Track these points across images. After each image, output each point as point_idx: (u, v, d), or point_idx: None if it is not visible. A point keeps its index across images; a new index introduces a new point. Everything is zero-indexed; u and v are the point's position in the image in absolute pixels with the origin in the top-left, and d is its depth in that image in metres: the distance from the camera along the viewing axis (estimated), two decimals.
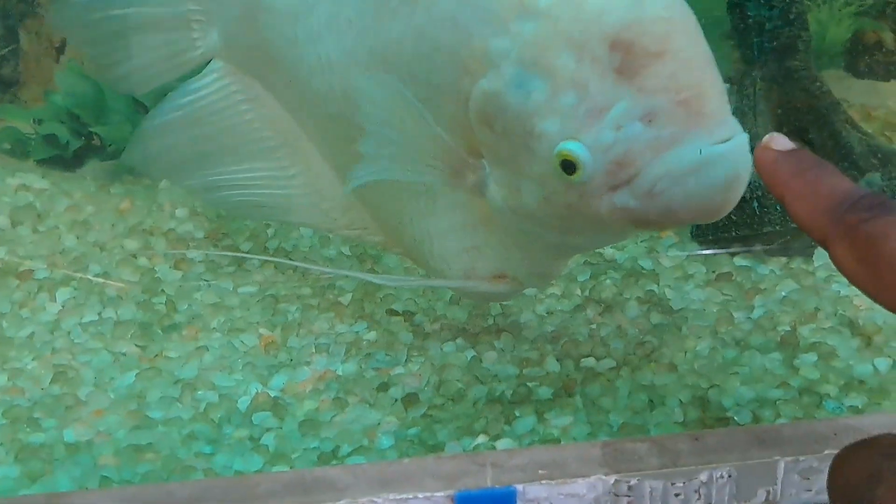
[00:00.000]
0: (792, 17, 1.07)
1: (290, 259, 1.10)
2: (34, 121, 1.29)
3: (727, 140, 0.52)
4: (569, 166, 0.55)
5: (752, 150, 0.54)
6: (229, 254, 1.07)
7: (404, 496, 0.57)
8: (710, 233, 1.03)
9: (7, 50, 1.30)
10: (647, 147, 0.53)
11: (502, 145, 0.60)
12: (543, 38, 0.56)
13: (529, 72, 0.56)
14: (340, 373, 0.83)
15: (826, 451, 0.60)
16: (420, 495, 0.57)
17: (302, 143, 0.88)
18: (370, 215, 0.85)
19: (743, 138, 0.53)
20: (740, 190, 0.53)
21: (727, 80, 1.38)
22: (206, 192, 0.92)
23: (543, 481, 0.58)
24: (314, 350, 0.87)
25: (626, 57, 0.53)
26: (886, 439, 0.41)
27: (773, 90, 1.07)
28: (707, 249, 1.02)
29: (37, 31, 1.31)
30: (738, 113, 1.08)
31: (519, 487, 0.57)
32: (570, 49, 0.55)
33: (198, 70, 0.89)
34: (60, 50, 1.32)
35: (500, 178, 0.62)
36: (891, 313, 0.43)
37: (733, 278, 0.96)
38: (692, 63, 0.52)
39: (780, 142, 0.50)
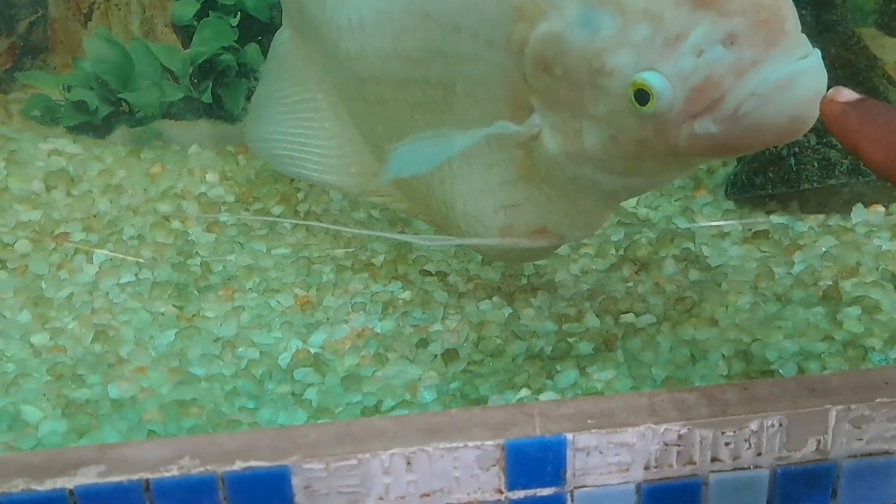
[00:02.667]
0: None
1: (321, 222, 1.10)
2: (63, 87, 1.29)
3: (805, 57, 0.52)
4: (644, 98, 0.55)
5: None
6: (262, 218, 1.07)
7: (454, 444, 0.57)
8: (747, 190, 1.02)
9: (35, 17, 1.30)
10: (729, 69, 0.52)
11: (563, 89, 0.59)
12: None
13: (596, 9, 0.56)
14: (378, 330, 0.83)
15: (878, 400, 0.59)
16: (470, 444, 0.57)
17: (340, 105, 0.88)
18: (396, 182, 0.85)
19: (817, 55, 0.53)
20: (818, 106, 0.53)
21: None
22: (257, 142, 0.94)
23: (593, 430, 0.58)
24: (350, 309, 0.88)
25: None
26: None
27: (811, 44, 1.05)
28: (741, 216, 1.01)
29: None
30: None
31: (569, 436, 0.57)
32: None
33: None
34: (88, 16, 1.31)
35: (558, 125, 0.61)
36: None
37: (771, 235, 0.95)
38: None
39: (845, 94, 0.51)
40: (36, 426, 0.70)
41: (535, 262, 0.93)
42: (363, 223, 1.11)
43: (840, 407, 0.59)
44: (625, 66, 0.55)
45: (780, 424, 0.59)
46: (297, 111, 0.93)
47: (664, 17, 0.54)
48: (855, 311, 0.80)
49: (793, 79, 0.52)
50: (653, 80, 0.54)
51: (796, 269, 0.87)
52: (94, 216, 1.04)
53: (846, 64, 1.06)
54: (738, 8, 0.52)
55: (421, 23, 0.67)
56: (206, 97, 1.32)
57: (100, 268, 0.95)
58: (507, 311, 0.84)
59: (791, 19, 0.53)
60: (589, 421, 0.59)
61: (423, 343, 0.80)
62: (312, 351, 0.80)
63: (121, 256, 0.97)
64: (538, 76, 0.60)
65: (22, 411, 0.71)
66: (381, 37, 0.72)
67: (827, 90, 0.54)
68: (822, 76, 0.53)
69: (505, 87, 0.63)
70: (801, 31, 0.54)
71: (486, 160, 0.70)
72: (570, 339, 0.79)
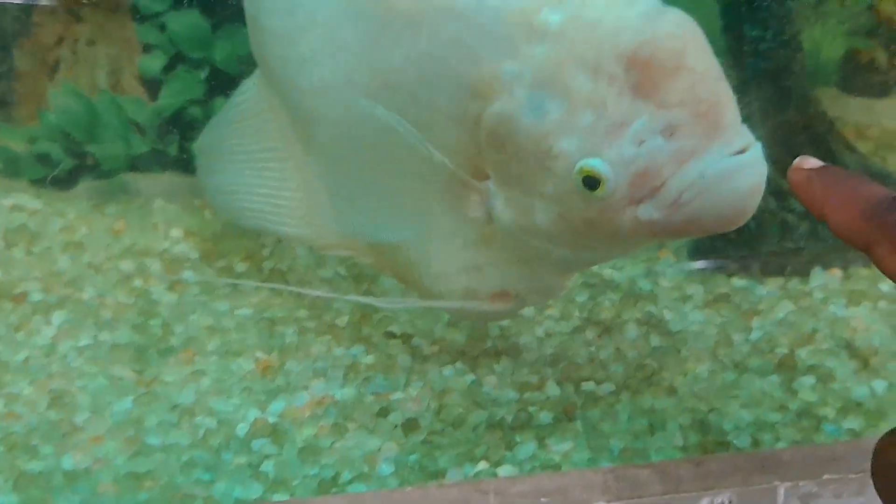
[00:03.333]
0: (786, 38, 1.08)
1: (287, 280, 1.10)
2: (28, 140, 1.28)
3: (745, 149, 0.54)
4: (591, 182, 0.56)
5: None
6: (228, 281, 1.06)
7: None
8: (708, 253, 1.04)
9: (1, 70, 1.29)
10: (669, 159, 0.54)
11: (514, 166, 0.61)
12: (557, 59, 0.57)
13: (544, 93, 0.57)
14: (339, 398, 0.83)
15: (825, 476, 0.60)
16: None
17: (303, 158, 0.88)
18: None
19: (758, 147, 0.55)
20: (759, 198, 0.54)
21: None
22: (217, 195, 0.93)
23: None
24: (312, 374, 0.87)
25: (643, 74, 0.54)
26: None
27: (769, 111, 1.08)
28: (704, 265, 1.03)
29: (31, 51, 1.30)
30: None
31: None
32: (585, 69, 0.56)
33: None
34: (55, 69, 1.31)
35: (510, 198, 0.63)
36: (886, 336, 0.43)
37: (731, 299, 0.96)
38: (706, 76, 0.54)
39: (810, 161, 0.52)
40: None
41: (500, 323, 0.94)
42: (329, 281, 1.11)
43: (788, 483, 0.60)
44: (570, 151, 0.56)
45: (731, 501, 0.59)
46: (260, 162, 0.93)
47: (607, 106, 0.55)
48: (809, 379, 0.81)
49: (730, 172, 0.53)
50: (596, 165, 0.55)
51: (754, 335, 0.88)
52: (54, 275, 1.03)
53: (804, 129, 1.08)
54: (677, 100, 0.53)
55: (382, 90, 0.68)
56: (173, 149, 1.32)
57: (58, 329, 0.94)
58: (470, 377, 0.84)
59: (730, 112, 0.54)
60: (543, 499, 0.59)
61: (384, 412, 0.79)
62: (271, 420, 0.79)
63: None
64: (491, 152, 0.62)
65: None
66: (342, 102, 0.73)
67: (792, 155, 0.55)
68: (759, 170, 0.54)
69: (463, 156, 0.64)
70: (741, 123, 0.55)
71: (448, 223, 0.71)
72: (530, 409, 0.79)
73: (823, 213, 0.49)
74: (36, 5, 1.30)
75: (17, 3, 1.30)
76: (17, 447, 0.75)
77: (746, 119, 1.08)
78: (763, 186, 0.54)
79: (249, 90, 0.94)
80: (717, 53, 1.36)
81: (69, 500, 0.68)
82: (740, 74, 1.10)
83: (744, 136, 0.54)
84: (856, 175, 0.50)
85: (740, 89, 1.09)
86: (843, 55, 1.46)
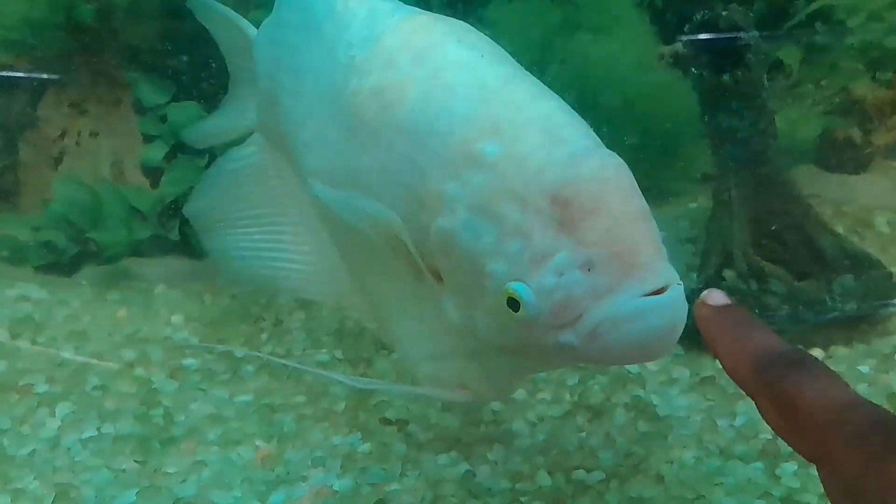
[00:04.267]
0: (762, 126, 1.13)
1: (285, 365, 1.12)
2: (32, 228, 1.32)
3: (662, 288, 0.56)
4: (514, 304, 0.60)
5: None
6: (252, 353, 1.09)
7: None
8: (693, 335, 1.07)
9: (6, 162, 1.34)
10: (587, 293, 0.57)
11: (458, 277, 0.65)
12: (491, 188, 0.61)
13: (479, 217, 0.62)
14: (337, 488, 0.85)
15: None
16: None
17: (315, 223, 0.92)
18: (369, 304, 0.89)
19: (677, 288, 0.56)
20: (676, 335, 0.57)
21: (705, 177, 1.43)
22: (229, 260, 0.97)
23: None
24: (310, 463, 0.89)
25: (565, 211, 0.58)
26: None
27: (747, 197, 1.12)
28: (689, 360, 1.05)
29: (35, 143, 1.35)
30: (716, 219, 1.14)
31: None
32: (514, 201, 0.60)
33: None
34: (59, 160, 1.36)
35: (458, 304, 0.66)
36: None
37: (716, 382, 0.99)
38: (625, 218, 0.57)
39: (714, 297, 0.55)
40: None
41: (493, 407, 0.97)
42: (325, 364, 1.14)
43: None
44: (498, 273, 0.60)
45: None
46: (269, 225, 0.96)
47: (533, 236, 0.59)
48: (791, 466, 0.83)
49: (641, 312, 0.55)
50: (520, 290, 0.59)
51: (738, 420, 0.91)
52: (59, 366, 1.06)
53: (782, 214, 1.13)
54: (594, 240, 0.57)
55: (354, 187, 0.73)
56: (174, 235, 1.36)
57: (62, 421, 0.96)
58: (464, 467, 0.87)
59: (648, 252, 0.57)
60: None
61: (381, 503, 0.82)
62: None
63: None
64: (440, 258, 0.66)
65: None
66: (329, 186, 0.77)
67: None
68: (676, 309, 0.56)
69: (421, 257, 0.68)
70: (664, 261, 0.57)
71: (417, 309, 0.75)
72: (522, 499, 0.81)
73: (716, 354, 0.52)
74: (41, 99, 1.36)
75: (24, 96, 1.35)
76: None
77: (725, 204, 1.12)
78: (679, 325, 0.56)
79: (248, 157, 0.98)
80: (697, 139, 1.41)
81: None
82: (719, 162, 1.15)
83: (663, 276, 0.56)
84: (752, 321, 0.51)
85: (719, 176, 1.14)
86: (819, 134, 1.52)
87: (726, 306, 0.54)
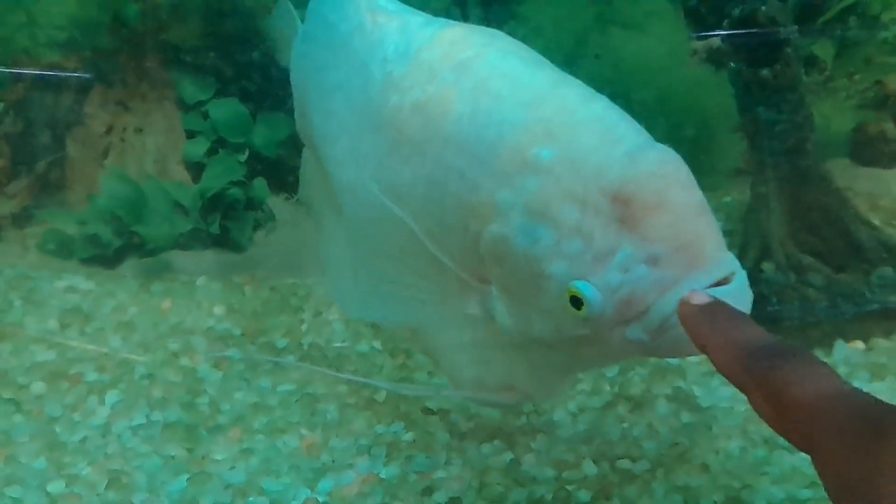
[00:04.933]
0: (800, 119, 1.13)
1: (325, 354, 1.14)
2: (79, 222, 1.35)
3: (727, 278, 0.57)
4: (578, 303, 0.60)
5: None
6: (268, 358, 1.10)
7: None
8: None
9: (55, 157, 1.37)
10: (653, 287, 0.58)
11: (512, 281, 0.65)
12: (547, 192, 0.62)
13: (536, 222, 0.62)
14: (384, 476, 0.86)
15: None
16: None
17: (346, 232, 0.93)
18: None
19: (741, 275, 0.58)
20: None
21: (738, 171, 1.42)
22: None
23: None
24: (356, 452, 0.90)
25: (627, 209, 0.58)
26: None
27: (785, 189, 1.12)
28: None
29: (82, 139, 1.38)
30: (753, 212, 1.14)
31: None
32: (573, 202, 0.61)
33: None
34: (104, 156, 1.38)
35: (511, 307, 0.67)
36: None
37: None
38: (687, 212, 0.58)
39: (697, 297, 0.55)
40: None
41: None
42: (365, 355, 1.15)
43: None
44: (560, 274, 0.61)
45: None
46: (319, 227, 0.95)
47: (594, 236, 0.59)
48: None
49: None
50: (584, 289, 0.60)
51: None
52: (107, 355, 1.08)
53: (820, 207, 1.13)
54: (659, 235, 0.57)
55: (395, 200, 0.73)
56: (215, 228, 1.39)
57: (112, 409, 0.99)
58: (509, 455, 0.88)
59: (711, 243, 0.58)
60: None
61: (428, 491, 0.83)
62: (321, 500, 0.82)
63: None
64: (492, 265, 0.66)
65: None
66: (366, 204, 0.77)
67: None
68: (741, 298, 0.56)
69: (468, 264, 0.69)
70: (726, 252, 0.58)
71: (459, 317, 0.76)
72: (568, 487, 0.82)
73: (704, 350, 0.52)
74: (88, 96, 1.39)
75: (71, 94, 1.38)
76: None
77: (763, 197, 1.12)
78: (746, 311, 0.56)
79: (305, 161, 0.98)
80: (730, 134, 1.41)
81: None
82: (756, 156, 1.15)
83: (726, 266, 0.57)
84: (737, 316, 0.52)
85: (756, 169, 1.15)
86: (853, 128, 1.52)
87: (711, 303, 0.54)
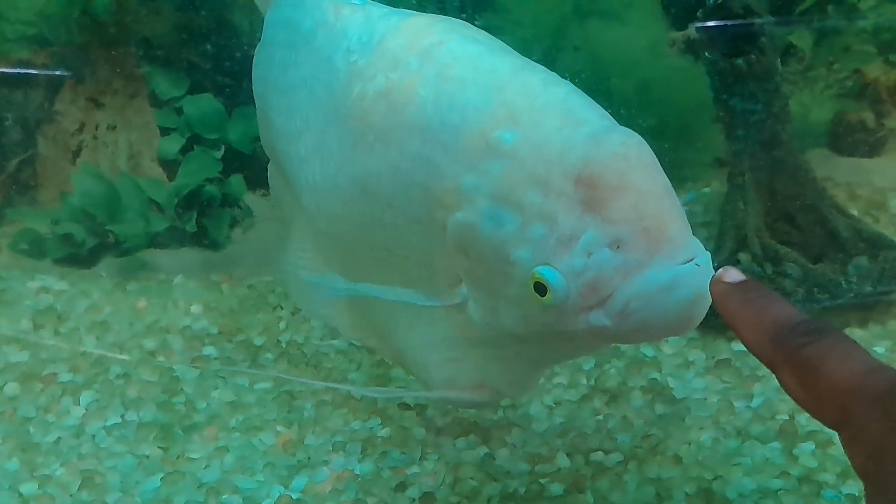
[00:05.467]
0: (775, 109, 1.13)
1: (303, 352, 1.13)
2: (51, 221, 1.34)
3: (689, 261, 0.56)
4: (542, 289, 0.60)
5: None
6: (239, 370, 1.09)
7: None
8: (708, 317, 1.07)
9: (25, 155, 1.36)
10: (616, 271, 0.57)
11: (479, 270, 0.65)
12: (511, 176, 0.61)
13: (501, 206, 0.61)
14: (358, 472, 0.86)
15: None
16: None
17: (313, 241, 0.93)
18: (368, 326, 0.90)
19: (705, 257, 0.57)
20: (706, 305, 0.57)
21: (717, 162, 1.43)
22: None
23: None
24: (331, 448, 0.90)
25: (590, 191, 0.58)
26: None
27: (761, 179, 1.13)
28: (704, 344, 1.06)
29: (53, 137, 1.37)
30: (730, 202, 1.14)
31: None
32: (536, 186, 0.60)
33: None
34: (77, 154, 1.37)
35: (478, 299, 0.66)
36: None
37: (732, 364, 1.00)
38: (650, 194, 0.57)
39: (731, 275, 0.55)
40: None
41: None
42: (343, 352, 1.15)
43: None
44: (524, 260, 0.60)
45: None
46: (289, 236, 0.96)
47: (558, 220, 0.59)
48: (809, 445, 0.84)
49: (673, 283, 0.55)
50: (548, 275, 0.59)
51: (755, 402, 0.92)
52: (81, 355, 1.08)
53: (797, 197, 1.13)
54: (622, 217, 0.57)
55: (362, 194, 0.73)
56: (191, 226, 1.38)
57: (86, 409, 0.98)
58: (483, 450, 0.88)
59: (675, 225, 0.57)
60: None
61: (402, 487, 0.83)
62: (294, 497, 0.82)
63: None
64: (458, 256, 0.66)
65: None
66: (331, 200, 0.77)
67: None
68: (705, 278, 0.56)
69: (437, 258, 0.69)
70: (690, 235, 0.58)
71: (430, 314, 0.75)
72: (541, 481, 0.82)
73: (735, 328, 0.52)
74: (59, 93, 1.37)
75: (41, 91, 1.36)
76: None
77: (739, 187, 1.12)
78: (708, 294, 0.56)
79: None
80: (709, 124, 1.41)
81: None
82: (733, 146, 1.15)
83: (689, 249, 0.57)
84: (769, 294, 0.52)
85: (733, 159, 1.15)
86: (832, 118, 1.52)
87: (743, 282, 0.54)
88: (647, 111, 1.42)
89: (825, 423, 0.45)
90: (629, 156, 0.58)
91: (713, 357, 1.02)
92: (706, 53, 1.13)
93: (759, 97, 1.12)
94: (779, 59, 1.14)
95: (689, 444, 0.86)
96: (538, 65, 0.68)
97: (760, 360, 0.50)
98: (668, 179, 0.60)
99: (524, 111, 0.62)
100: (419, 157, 0.67)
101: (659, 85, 1.43)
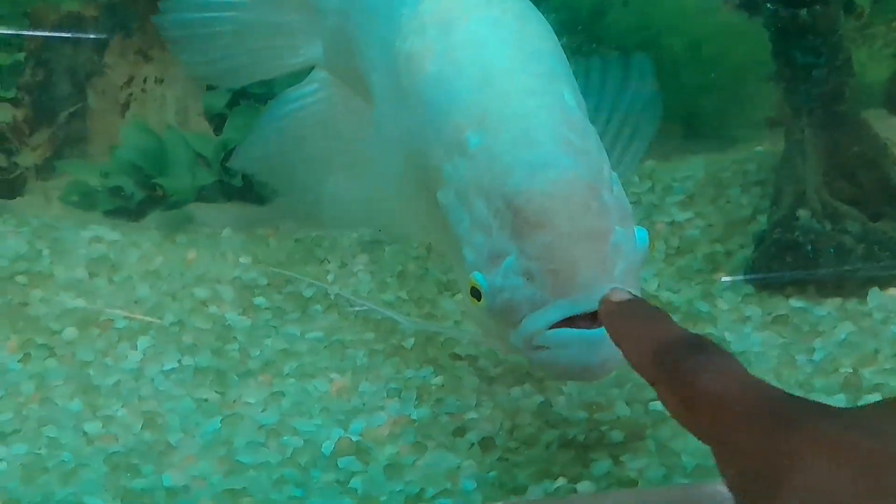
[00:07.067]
0: (838, 63, 1.10)
1: (350, 303, 1.13)
2: (101, 174, 1.34)
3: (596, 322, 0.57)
4: (476, 293, 0.62)
5: None
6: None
7: None
8: (764, 275, 1.06)
9: (75, 108, 1.36)
10: (525, 301, 0.60)
11: (451, 252, 0.69)
12: (469, 179, 0.64)
13: (461, 203, 0.64)
14: (415, 417, 0.86)
15: None
16: None
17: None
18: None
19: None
20: (607, 366, 0.60)
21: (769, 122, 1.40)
22: (302, 201, 1.00)
23: None
24: (386, 395, 0.91)
25: (517, 219, 0.60)
26: None
27: (821, 136, 1.10)
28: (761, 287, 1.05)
29: (103, 90, 1.37)
30: (788, 159, 1.12)
31: None
32: (483, 196, 0.62)
33: (300, 75, 0.97)
34: (126, 107, 1.38)
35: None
36: None
37: (790, 320, 0.98)
38: (568, 238, 0.59)
39: (618, 295, 0.56)
40: None
41: None
42: (391, 304, 1.15)
43: None
44: (468, 261, 0.63)
45: None
46: (344, 162, 0.96)
47: (493, 234, 0.61)
48: (874, 398, 0.83)
49: (568, 342, 0.58)
50: (480, 282, 0.62)
51: (817, 356, 0.90)
52: (136, 303, 1.09)
53: (856, 153, 1.11)
54: (535, 253, 0.59)
55: (401, 139, 0.75)
56: (237, 181, 1.38)
57: (143, 354, 0.99)
58: (539, 398, 0.87)
59: (587, 273, 0.58)
60: None
61: (460, 431, 0.83)
62: (353, 440, 0.82)
63: None
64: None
65: (85, 502, 0.73)
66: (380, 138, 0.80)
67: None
68: (602, 344, 0.56)
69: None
70: (606, 282, 0.58)
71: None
72: (601, 428, 0.81)
73: (620, 346, 0.52)
74: (108, 46, 1.37)
75: (90, 44, 1.36)
76: (120, 467, 0.79)
77: (798, 143, 1.10)
78: (608, 359, 0.58)
79: (312, 94, 0.96)
80: (761, 83, 1.38)
81: None
82: (792, 101, 1.12)
83: (595, 299, 0.56)
84: (654, 312, 0.52)
85: (792, 114, 1.12)
86: (889, 76, 1.48)
87: (628, 301, 0.55)
88: (698, 70, 1.40)
89: (699, 438, 0.44)
90: (555, 195, 0.60)
91: (770, 313, 1.01)
92: (768, 5, 1.10)
93: (821, 51, 1.09)
94: (842, 12, 1.11)
95: None
96: (550, 62, 0.68)
97: (644, 378, 0.50)
98: (601, 220, 0.60)
99: (492, 117, 0.64)
100: (421, 126, 0.69)
101: (710, 42, 1.40)
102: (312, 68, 0.96)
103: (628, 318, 0.53)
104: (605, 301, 0.55)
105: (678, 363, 0.45)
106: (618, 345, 0.53)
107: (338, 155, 0.96)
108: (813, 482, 0.36)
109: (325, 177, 0.97)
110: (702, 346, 0.46)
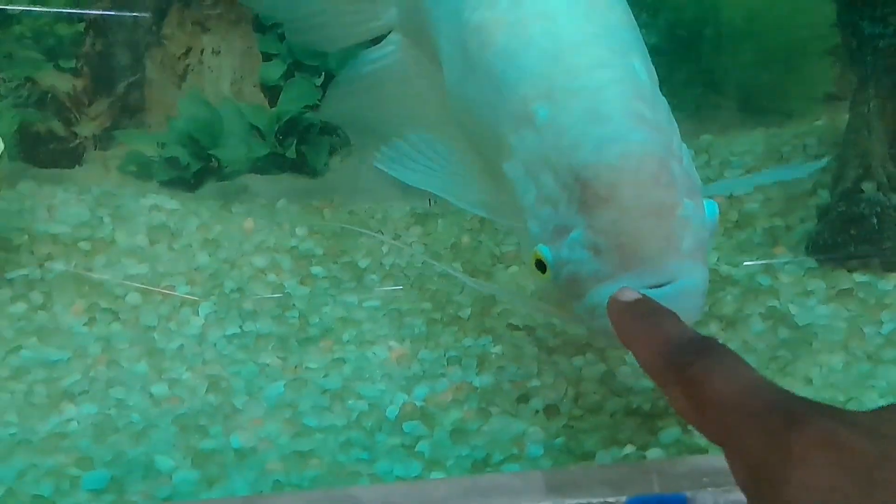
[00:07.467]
0: None
1: (406, 275, 1.14)
2: (158, 144, 1.36)
3: (663, 285, 0.58)
4: (541, 266, 0.63)
5: None
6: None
7: (579, 501, 0.60)
8: (827, 249, 1.04)
9: (133, 79, 1.38)
10: (590, 275, 0.60)
11: (518, 223, 0.69)
12: (537, 151, 0.64)
13: (527, 176, 0.65)
14: (477, 385, 0.87)
15: None
16: (593, 500, 0.60)
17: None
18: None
19: (681, 284, 0.58)
20: None
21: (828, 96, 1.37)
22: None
23: (709, 489, 0.60)
24: (446, 363, 0.91)
25: (584, 193, 0.60)
26: None
27: (887, 108, 1.08)
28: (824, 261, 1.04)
29: (161, 61, 1.38)
30: (853, 131, 1.10)
31: (688, 494, 0.60)
32: (550, 169, 0.63)
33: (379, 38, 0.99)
34: (182, 78, 1.39)
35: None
36: None
37: (855, 294, 0.97)
38: (635, 212, 0.59)
39: (625, 294, 0.56)
40: (170, 475, 0.74)
41: None
42: (444, 276, 1.15)
43: None
44: (533, 234, 0.64)
45: None
46: (420, 126, 0.96)
47: (559, 208, 0.62)
48: None
49: None
50: (546, 254, 0.63)
51: (885, 328, 0.89)
52: (196, 270, 1.10)
53: None
54: (602, 228, 0.59)
55: (471, 107, 0.75)
56: (291, 153, 1.39)
57: (205, 319, 1.00)
58: (602, 367, 0.87)
59: (654, 248, 0.58)
60: (704, 479, 0.61)
61: (524, 398, 0.83)
62: (418, 405, 0.83)
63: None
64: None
65: (156, 461, 0.75)
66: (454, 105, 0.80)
67: None
68: (678, 301, 0.56)
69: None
70: (675, 257, 0.59)
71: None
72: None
73: (629, 347, 0.53)
74: (166, 17, 1.38)
75: (149, 14, 1.38)
76: (189, 428, 0.80)
77: (863, 116, 1.08)
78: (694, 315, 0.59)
79: (387, 56, 0.98)
80: (820, 57, 1.35)
81: (244, 477, 0.73)
82: (858, 73, 1.10)
83: (667, 272, 0.58)
84: (664, 313, 0.52)
85: (858, 85, 1.10)
86: None
87: (637, 301, 0.55)
88: (757, 42, 1.38)
89: (710, 439, 0.45)
90: (623, 169, 0.59)
91: (834, 287, 0.99)
92: None
93: (890, 20, 1.06)
94: None
95: (820, 367, 0.84)
96: (622, 36, 0.68)
97: (653, 379, 0.50)
98: (670, 196, 0.60)
99: (560, 91, 0.64)
100: (489, 99, 0.69)
101: (770, 14, 1.38)
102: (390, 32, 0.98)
103: (636, 319, 0.53)
104: (613, 300, 0.56)
105: (688, 364, 0.46)
106: (626, 346, 0.54)
107: (415, 116, 0.97)
108: (816, 481, 0.37)
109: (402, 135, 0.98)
110: (710, 348, 0.46)
